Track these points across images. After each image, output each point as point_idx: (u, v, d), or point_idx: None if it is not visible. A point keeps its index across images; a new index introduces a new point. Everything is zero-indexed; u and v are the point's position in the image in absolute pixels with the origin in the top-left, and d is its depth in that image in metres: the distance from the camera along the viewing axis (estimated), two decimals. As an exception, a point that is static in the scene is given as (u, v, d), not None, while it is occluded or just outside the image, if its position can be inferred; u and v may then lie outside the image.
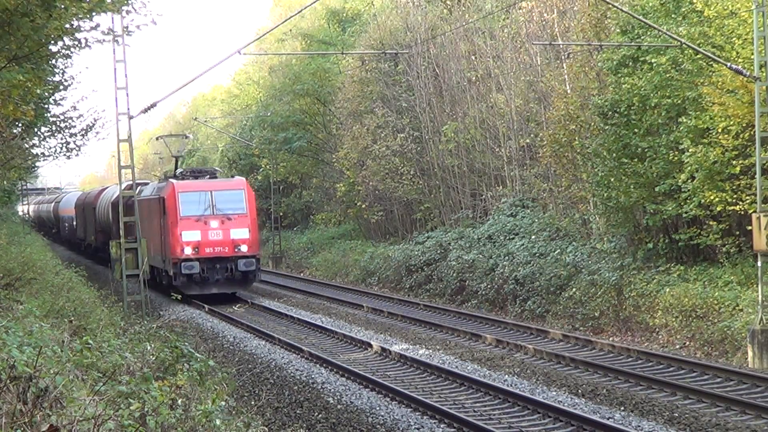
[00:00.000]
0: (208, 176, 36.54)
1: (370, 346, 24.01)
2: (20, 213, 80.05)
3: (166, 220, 34.18)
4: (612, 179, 26.42)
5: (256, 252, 34.21)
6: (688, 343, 22.62)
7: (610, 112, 26.48)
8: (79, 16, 13.97)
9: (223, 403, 10.00)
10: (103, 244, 49.58)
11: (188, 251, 33.41)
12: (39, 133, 28.72)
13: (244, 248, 33.69)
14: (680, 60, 24.22)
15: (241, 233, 33.75)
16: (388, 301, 34.73)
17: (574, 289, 27.40)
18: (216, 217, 33.67)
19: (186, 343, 12.35)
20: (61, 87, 25.63)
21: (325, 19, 59.66)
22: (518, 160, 37.52)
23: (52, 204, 78.12)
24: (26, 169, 37.19)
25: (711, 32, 23.23)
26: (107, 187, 56.36)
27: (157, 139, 45.76)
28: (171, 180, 35.63)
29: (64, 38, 14.94)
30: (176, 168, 39.28)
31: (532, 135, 35.91)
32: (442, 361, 21.80)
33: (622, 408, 16.61)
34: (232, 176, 40.43)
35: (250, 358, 23.21)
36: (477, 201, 40.18)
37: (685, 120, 23.82)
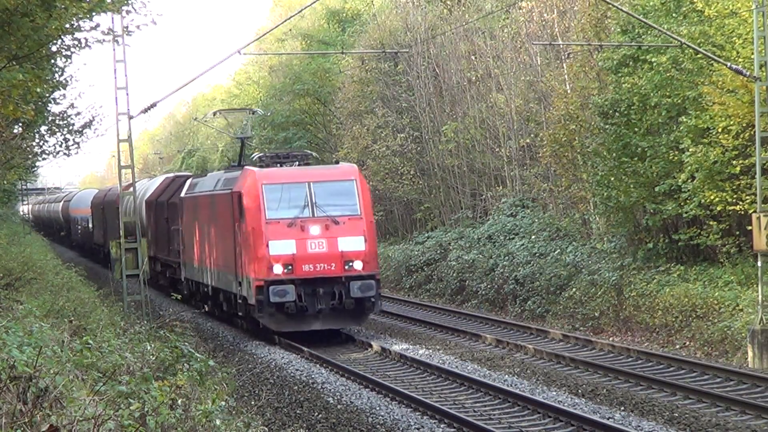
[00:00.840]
0: (297, 162, 26.33)
1: (370, 346, 24.00)
2: (22, 213, 78.33)
3: (242, 225, 24.63)
4: (612, 179, 26.42)
5: (375, 270, 24.47)
6: (688, 343, 22.62)
7: (610, 112, 26.48)
8: (79, 16, 13.99)
9: (223, 403, 10.01)
10: None
11: (278, 270, 23.63)
12: (39, 132, 28.72)
13: (357, 265, 23.86)
14: (680, 59, 24.23)
15: (353, 243, 23.95)
16: (388, 301, 34.73)
17: (574, 289, 27.39)
18: (317, 221, 23.96)
19: (186, 343, 12.35)
20: (61, 86, 25.62)
21: (325, 19, 59.65)
22: (518, 160, 37.52)
23: (61, 203, 69.02)
24: (26, 169, 37.09)
25: (711, 32, 23.23)
26: (136, 182, 49.64)
27: (214, 114, 35.19)
28: (249, 168, 25.84)
29: (64, 38, 14.96)
30: (241, 154, 29.96)
31: (532, 135, 35.90)
32: (442, 361, 21.79)
33: (622, 408, 16.61)
34: (336, 162, 28.40)
35: (250, 358, 23.21)
36: (477, 201, 40.18)
37: (685, 120, 23.82)
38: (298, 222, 23.89)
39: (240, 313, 25.93)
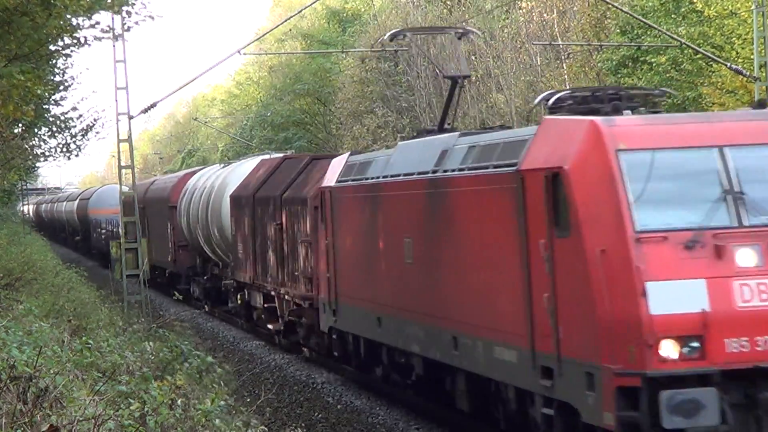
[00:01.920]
0: (629, 107, 11.12)
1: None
2: (22, 213, 76.15)
3: (565, 243, 10.33)
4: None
5: None
6: (687, 343, 22.60)
7: (610, 112, 26.48)
8: (78, 14, 14.01)
9: (223, 402, 10.02)
10: (193, 271, 32.15)
11: (670, 350, 9.42)
12: (39, 133, 28.70)
13: None
14: (680, 60, 24.26)
15: None
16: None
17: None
18: (752, 234, 9.85)
19: (186, 343, 12.36)
20: (62, 88, 25.62)
21: (325, 19, 59.72)
22: (518, 160, 37.55)
23: (76, 201, 57.94)
24: (26, 170, 37.03)
25: (711, 32, 23.27)
26: (198, 170, 35.77)
27: (392, 39, 20.00)
28: (577, 118, 10.81)
29: (64, 37, 14.97)
30: (448, 105, 16.35)
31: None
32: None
33: (622, 408, 16.56)
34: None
35: (250, 358, 23.18)
36: (477, 201, 40.19)
37: (684, 120, 23.82)
38: (709, 237, 10.02)
39: None
